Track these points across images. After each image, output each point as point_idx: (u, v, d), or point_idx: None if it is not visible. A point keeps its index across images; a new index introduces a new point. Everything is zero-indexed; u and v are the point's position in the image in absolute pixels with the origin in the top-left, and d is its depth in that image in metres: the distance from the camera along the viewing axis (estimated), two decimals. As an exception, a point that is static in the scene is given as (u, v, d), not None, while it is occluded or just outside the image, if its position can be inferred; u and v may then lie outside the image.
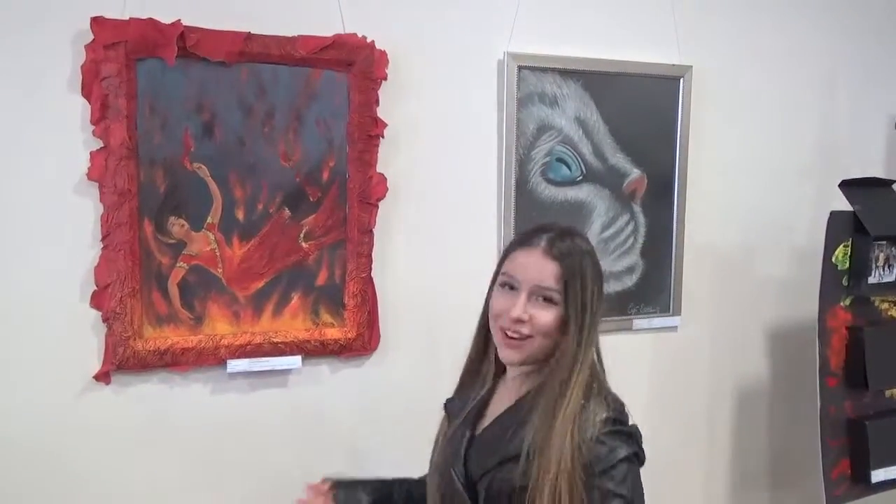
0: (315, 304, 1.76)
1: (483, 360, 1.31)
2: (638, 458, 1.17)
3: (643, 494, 1.17)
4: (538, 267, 1.18)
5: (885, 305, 2.07)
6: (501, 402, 1.27)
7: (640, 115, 2.03)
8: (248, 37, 1.62)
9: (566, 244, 1.20)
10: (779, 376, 2.34)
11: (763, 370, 2.32)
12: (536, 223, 1.28)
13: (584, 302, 1.18)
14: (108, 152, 1.56)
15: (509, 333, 1.19)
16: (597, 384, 1.20)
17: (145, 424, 1.67)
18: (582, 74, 1.95)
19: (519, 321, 1.18)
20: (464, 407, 1.29)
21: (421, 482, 1.38)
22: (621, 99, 2.00)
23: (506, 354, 1.21)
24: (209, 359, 1.68)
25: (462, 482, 1.20)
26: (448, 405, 1.34)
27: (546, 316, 1.18)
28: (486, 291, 1.28)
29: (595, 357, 1.23)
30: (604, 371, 1.27)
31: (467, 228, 1.89)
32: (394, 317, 1.84)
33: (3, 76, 1.51)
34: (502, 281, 1.23)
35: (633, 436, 1.18)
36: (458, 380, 1.34)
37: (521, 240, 1.25)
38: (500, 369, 1.29)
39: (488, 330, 1.26)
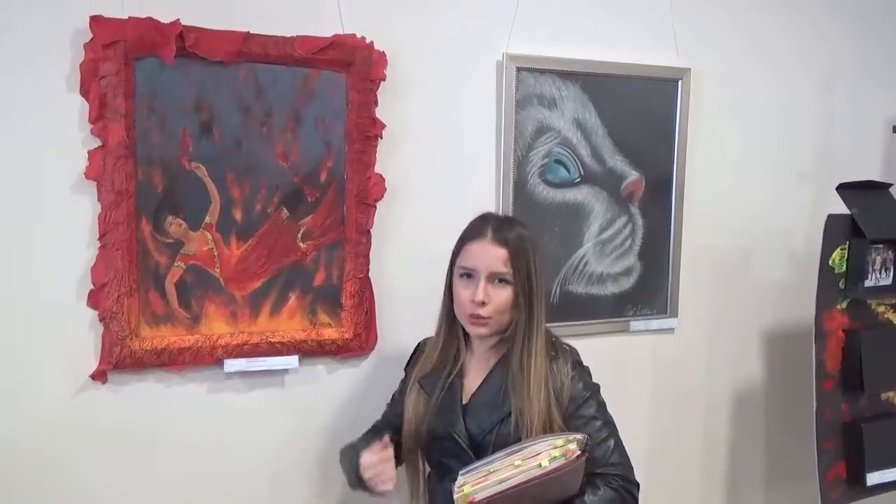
0: (312, 304, 1.76)
1: (451, 342, 1.51)
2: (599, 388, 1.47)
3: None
4: (490, 254, 1.41)
5: (881, 309, 2.07)
6: (476, 373, 1.49)
7: (639, 117, 2.04)
8: (247, 37, 1.62)
9: (509, 230, 1.43)
10: (775, 379, 2.34)
11: (759, 372, 2.33)
12: (478, 214, 1.50)
13: (529, 277, 1.41)
14: (105, 151, 1.56)
15: (474, 314, 1.41)
16: (555, 340, 1.48)
17: (142, 424, 1.67)
18: (581, 76, 1.95)
19: (482, 303, 1.40)
20: (436, 382, 1.49)
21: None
22: (620, 101, 2.00)
23: (475, 331, 1.45)
24: (206, 358, 1.68)
25: (465, 441, 1.42)
26: (422, 382, 1.51)
27: (503, 295, 1.41)
28: (445, 280, 1.49)
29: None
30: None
31: (465, 229, 1.88)
32: (391, 318, 1.84)
33: (2, 74, 1.51)
34: (461, 273, 1.45)
35: (590, 371, 1.48)
36: (431, 360, 1.52)
37: (469, 233, 1.46)
38: (467, 347, 1.52)
39: (453, 316, 1.49)
